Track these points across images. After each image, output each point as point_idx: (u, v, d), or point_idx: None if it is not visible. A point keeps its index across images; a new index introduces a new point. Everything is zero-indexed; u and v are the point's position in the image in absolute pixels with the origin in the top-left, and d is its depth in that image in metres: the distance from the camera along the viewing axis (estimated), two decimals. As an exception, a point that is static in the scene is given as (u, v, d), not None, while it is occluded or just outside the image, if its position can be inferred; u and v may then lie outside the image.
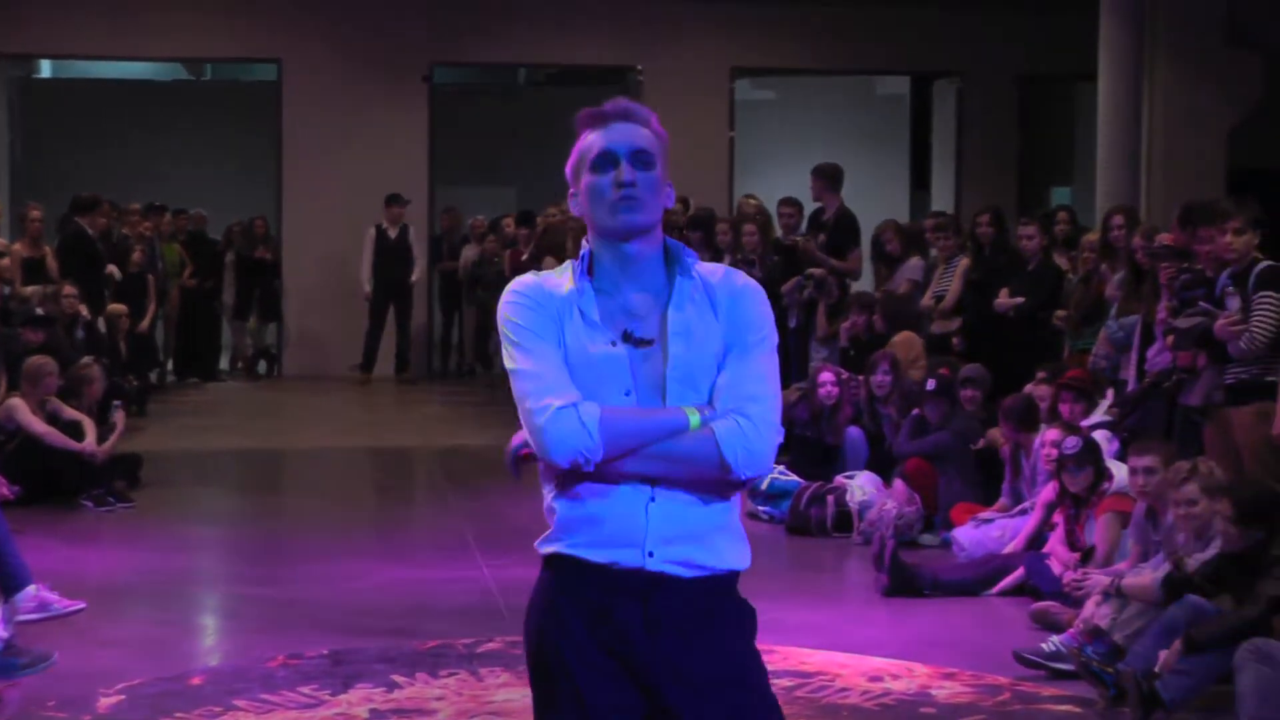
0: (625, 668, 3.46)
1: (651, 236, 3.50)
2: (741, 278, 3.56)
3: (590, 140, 3.49)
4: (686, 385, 3.44)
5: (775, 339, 3.55)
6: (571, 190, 3.55)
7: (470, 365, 19.78)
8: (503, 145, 23.25)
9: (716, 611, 3.51)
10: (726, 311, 3.50)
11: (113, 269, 15.63)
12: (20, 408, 11.00)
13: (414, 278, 18.63)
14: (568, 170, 3.55)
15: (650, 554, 3.43)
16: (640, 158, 3.46)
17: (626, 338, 3.46)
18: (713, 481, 3.45)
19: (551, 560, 3.51)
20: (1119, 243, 10.59)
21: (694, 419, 3.40)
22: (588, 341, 3.45)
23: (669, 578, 3.44)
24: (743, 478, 3.45)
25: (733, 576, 3.54)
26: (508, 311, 3.49)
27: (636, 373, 3.45)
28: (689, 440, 3.41)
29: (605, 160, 3.45)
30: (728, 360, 3.48)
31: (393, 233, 18.47)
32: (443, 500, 11.95)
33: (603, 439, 3.37)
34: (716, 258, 13.91)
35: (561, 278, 3.53)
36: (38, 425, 10.99)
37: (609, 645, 3.45)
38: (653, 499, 3.43)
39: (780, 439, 3.55)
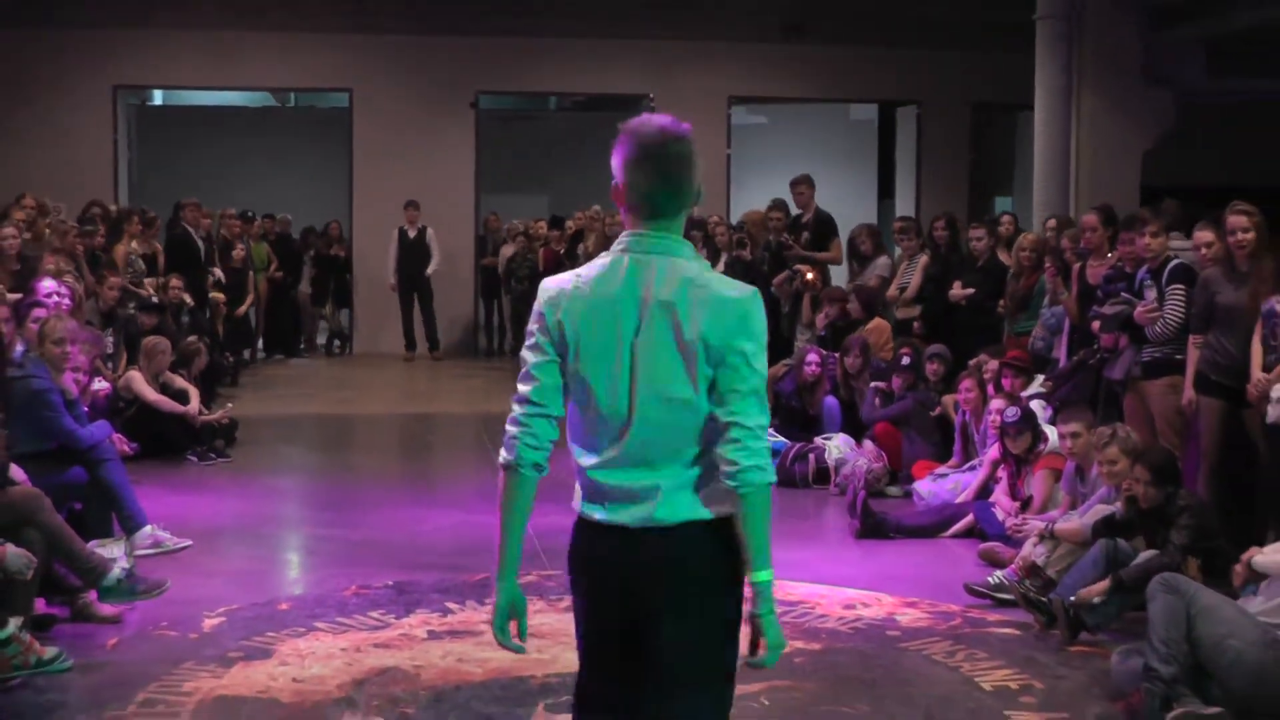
0: None
1: None
2: None
3: None
4: None
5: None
6: None
7: (512, 345, 19.71)
8: (537, 160, 23.24)
9: None
10: None
11: (217, 271, 15.68)
12: (137, 379, 11.04)
13: (429, 270, 18.51)
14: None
15: None
16: None
17: None
18: None
19: None
20: (1053, 242, 10.59)
21: None
22: None
23: None
24: None
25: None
26: None
27: None
28: None
29: None
30: None
31: (412, 233, 18.40)
32: (486, 456, 11.93)
33: None
34: (714, 253, 13.96)
35: None
36: (150, 394, 11.02)
37: None
38: None
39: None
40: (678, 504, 3.28)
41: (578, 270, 3.38)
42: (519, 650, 3.46)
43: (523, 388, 3.34)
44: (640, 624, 3.31)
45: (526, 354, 3.36)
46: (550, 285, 3.36)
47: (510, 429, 3.35)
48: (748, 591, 3.31)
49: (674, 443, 3.28)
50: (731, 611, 3.34)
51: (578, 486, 3.39)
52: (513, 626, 3.42)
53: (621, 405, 3.28)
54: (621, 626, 3.35)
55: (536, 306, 3.35)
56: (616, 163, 3.33)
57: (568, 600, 3.73)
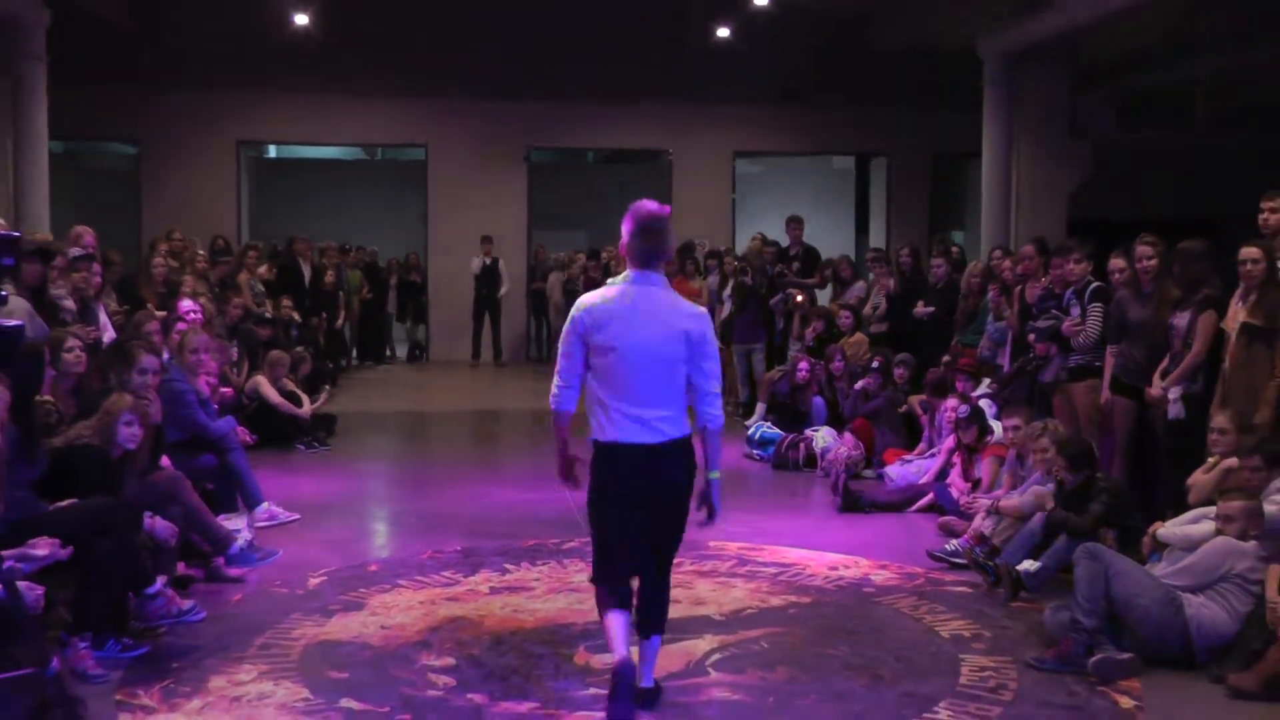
0: None
1: None
2: None
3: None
4: None
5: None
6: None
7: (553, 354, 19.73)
8: (577, 202, 23.28)
9: None
10: None
11: (321, 322, 15.74)
12: (263, 383, 11.16)
13: (501, 293, 18.60)
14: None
15: None
16: None
17: None
18: None
19: None
20: (999, 270, 10.56)
21: None
22: None
23: None
24: None
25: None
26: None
27: None
28: None
29: None
30: None
31: (487, 261, 18.49)
32: (538, 445, 11.96)
33: None
34: (724, 278, 13.95)
35: None
36: (274, 396, 11.13)
37: None
38: None
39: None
40: (671, 428, 4.57)
41: (601, 291, 4.64)
42: (576, 487, 4.73)
43: (559, 366, 4.62)
44: (654, 497, 4.59)
45: (560, 347, 4.64)
46: (583, 300, 4.65)
47: (553, 391, 4.65)
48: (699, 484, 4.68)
49: (665, 390, 4.54)
50: (691, 487, 4.69)
51: (599, 422, 4.56)
52: (579, 469, 4.73)
53: (633, 366, 4.51)
54: (638, 502, 4.59)
55: (572, 314, 4.60)
56: (624, 231, 4.57)
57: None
